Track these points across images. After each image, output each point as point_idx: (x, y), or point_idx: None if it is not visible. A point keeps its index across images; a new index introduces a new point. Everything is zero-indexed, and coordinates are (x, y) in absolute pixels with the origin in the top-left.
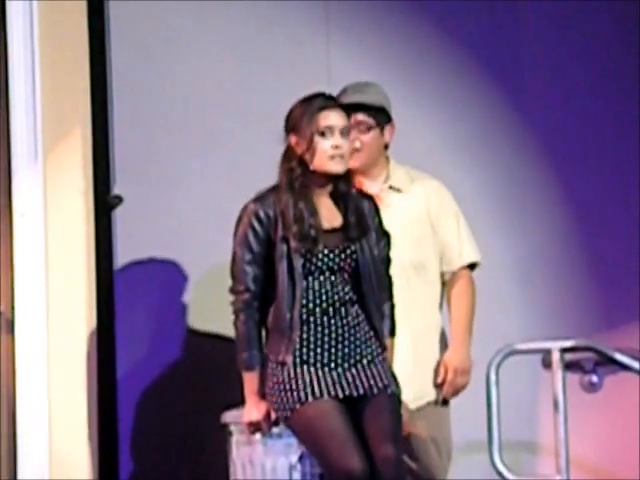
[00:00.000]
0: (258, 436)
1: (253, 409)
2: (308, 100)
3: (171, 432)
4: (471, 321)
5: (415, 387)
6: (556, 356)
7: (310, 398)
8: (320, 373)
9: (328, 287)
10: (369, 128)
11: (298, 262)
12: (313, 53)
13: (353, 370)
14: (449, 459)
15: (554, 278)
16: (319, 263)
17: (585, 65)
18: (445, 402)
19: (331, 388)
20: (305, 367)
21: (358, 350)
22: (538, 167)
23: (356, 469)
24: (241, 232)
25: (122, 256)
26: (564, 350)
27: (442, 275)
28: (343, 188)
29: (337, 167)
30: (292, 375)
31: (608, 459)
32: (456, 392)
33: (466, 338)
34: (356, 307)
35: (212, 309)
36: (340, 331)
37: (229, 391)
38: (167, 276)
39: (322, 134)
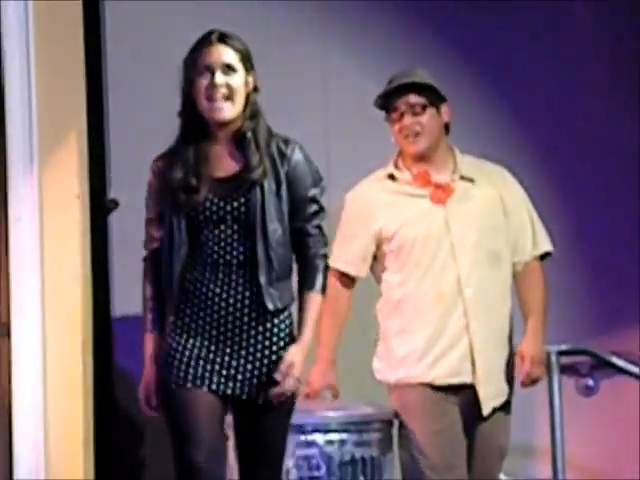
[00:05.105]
0: None
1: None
2: (195, 43)
3: (168, 436)
4: (546, 312)
5: (498, 384)
6: (552, 359)
7: (189, 384)
8: (203, 355)
9: (223, 242)
10: (424, 107)
11: (179, 214)
12: (308, 54)
13: (234, 357)
14: (503, 461)
15: (550, 281)
16: (207, 212)
17: (587, 65)
18: (509, 410)
19: (207, 380)
20: (185, 338)
21: (245, 327)
22: (537, 170)
23: (197, 465)
24: (147, 193)
25: (118, 260)
26: (560, 353)
27: (513, 266)
28: (246, 129)
29: (219, 114)
30: (174, 345)
31: (604, 463)
32: (532, 382)
33: (541, 329)
34: (249, 265)
35: None
36: (224, 296)
37: None
38: None
39: (200, 74)
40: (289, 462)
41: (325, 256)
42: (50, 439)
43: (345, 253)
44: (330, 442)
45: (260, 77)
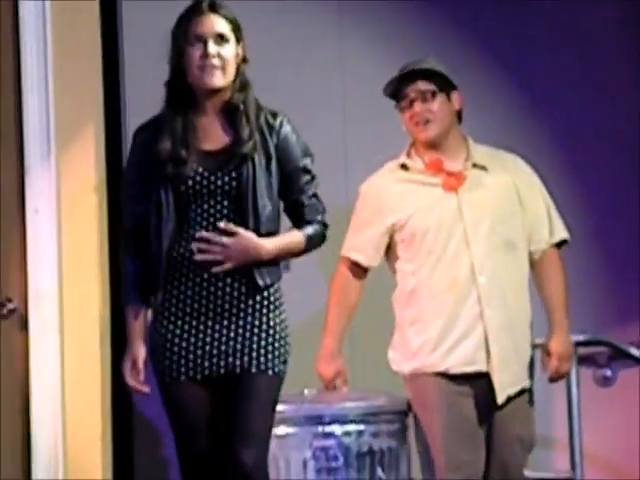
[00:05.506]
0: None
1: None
2: (184, 11)
3: None
4: (568, 303)
5: (513, 372)
6: None
7: (180, 376)
8: (193, 336)
9: (212, 218)
10: (434, 94)
11: (167, 187)
12: (326, 44)
13: (224, 334)
14: (529, 453)
15: (568, 272)
16: (197, 186)
17: (605, 54)
18: (531, 400)
19: (199, 368)
20: (173, 321)
21: (235, 302)
22: (549, 163)
23: (200, 460)
24: (127, 163)
25: None
26: (578, 344)
27: (530, 255)
28: (237, 101)
29: (210, 80)
30: (162, 332)
31: (622, 454)
32: (560, 378)
33: (566, 322)
34: None
35: None
36: (213, 273)
37: None
38: None
39: (191, 44)
40: (307, 453)
41: (322, 223)
42: (68, 436)
43: (357, 242)
44: (348, 433)
45: (278, 69)
